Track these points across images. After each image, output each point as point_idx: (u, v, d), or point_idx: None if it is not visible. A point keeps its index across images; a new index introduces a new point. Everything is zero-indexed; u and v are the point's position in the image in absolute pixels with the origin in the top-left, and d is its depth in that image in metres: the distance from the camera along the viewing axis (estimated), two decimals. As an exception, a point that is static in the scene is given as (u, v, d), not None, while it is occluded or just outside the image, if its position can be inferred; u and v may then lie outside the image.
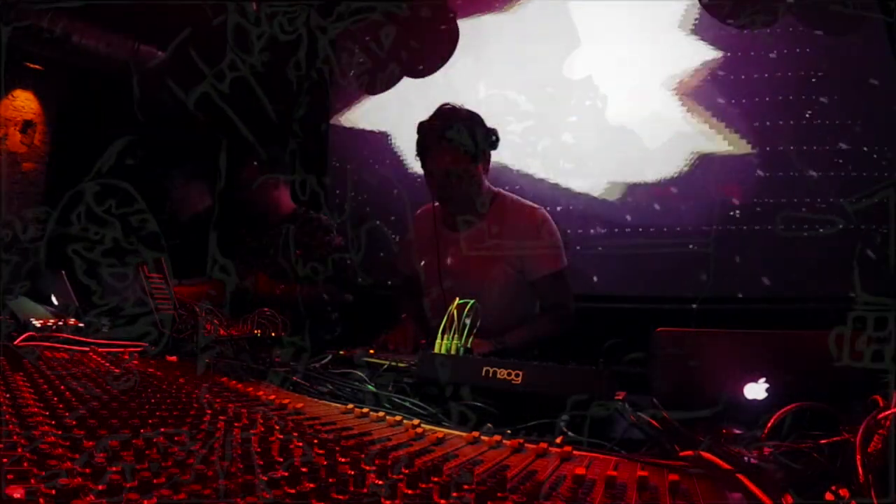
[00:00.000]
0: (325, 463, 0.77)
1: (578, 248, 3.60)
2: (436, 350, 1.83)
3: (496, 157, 2.38)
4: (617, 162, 3.70)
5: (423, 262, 2.46)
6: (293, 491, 0.69)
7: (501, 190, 2.45)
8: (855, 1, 2.77)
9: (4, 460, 0.71)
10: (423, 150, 2.27)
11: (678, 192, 3.55)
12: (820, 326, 1.12)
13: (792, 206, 3.28)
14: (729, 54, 3.49)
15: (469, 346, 1.86)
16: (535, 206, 2.37)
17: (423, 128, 2.26)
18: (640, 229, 3.62)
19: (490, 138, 2.27)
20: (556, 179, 3.82)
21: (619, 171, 3.69)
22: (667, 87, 3.62)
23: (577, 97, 3.82)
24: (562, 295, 2.35)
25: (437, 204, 2.39)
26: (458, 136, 2.18)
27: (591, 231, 3.67)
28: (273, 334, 1.92)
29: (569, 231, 2.56)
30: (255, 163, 3.09)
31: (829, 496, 0.75)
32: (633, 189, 3.65)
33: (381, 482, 0.72)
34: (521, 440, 1.02)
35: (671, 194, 3.57)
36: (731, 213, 3.42)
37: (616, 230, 3.66)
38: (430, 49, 4.20)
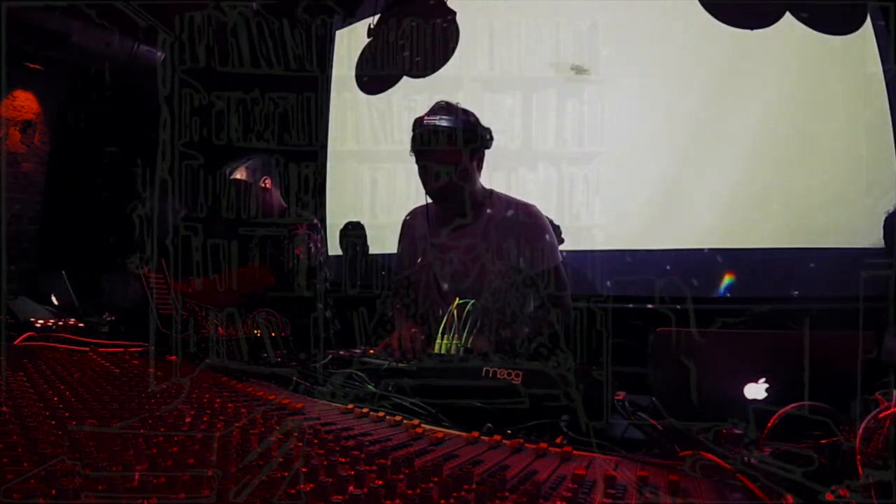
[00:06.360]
0: (325, 463, 0.77)
1: (578, 247, 3.60)
2: (435, 350, 1.84)
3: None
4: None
5: (418, 262, 2.46)
6: (293, 491, 0.69)
7: (494, 189, 2.44)
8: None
9: (5, 461, 0.71)
10: (417, 148, 2.26)
11: (678, 192, 3.55)
12: (820, 327, 1.12)
13: (792, 207, 3.27)
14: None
15: (469, 345, 1.86)
16: (529, 203, 2.38)
17: (417, 125, 2.26)
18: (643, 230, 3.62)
19: (485, 136, 2.27)
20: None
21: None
22: (675, 88, 3.61)
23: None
24: (559, 291, 2.35)
25: (431, 202, 2.38)
26: (452, 133, 2.18)
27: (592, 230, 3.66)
28: (273, 334, 1.92)
29: (561, 228, 2.58)
30: (248, 165, 3.12)
31: (829, 496, 0.75)
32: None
33: (380, 482, 0.72)
34: (521, 440, 1.02)
35: (670, 194, 3.57)
36: (730, 213, 3.42)
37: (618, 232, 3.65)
38: (430, 49, 4.20)
